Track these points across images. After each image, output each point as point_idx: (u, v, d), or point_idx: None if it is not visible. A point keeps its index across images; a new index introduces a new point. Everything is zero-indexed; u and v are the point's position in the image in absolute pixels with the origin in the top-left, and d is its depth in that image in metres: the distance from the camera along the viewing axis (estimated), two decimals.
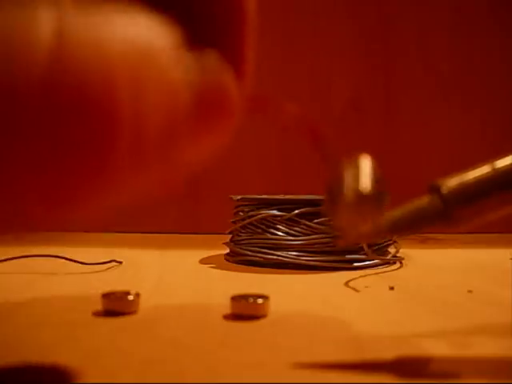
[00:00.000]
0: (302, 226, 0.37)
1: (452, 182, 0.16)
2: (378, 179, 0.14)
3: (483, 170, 0.16)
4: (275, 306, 0.24)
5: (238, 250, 0.39)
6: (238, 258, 0.40)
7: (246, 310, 0.23)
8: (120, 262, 0.38)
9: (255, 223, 0.39)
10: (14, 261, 0.35)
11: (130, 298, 0.24)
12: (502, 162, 0.16)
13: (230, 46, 0.14)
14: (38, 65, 0.10)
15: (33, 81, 0.10)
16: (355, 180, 0.14)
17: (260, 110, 0.15)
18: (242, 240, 0.39)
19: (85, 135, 0.11)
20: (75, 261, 0.36)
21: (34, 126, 0.10)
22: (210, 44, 0.13)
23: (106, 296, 0.24)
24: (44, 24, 0.10)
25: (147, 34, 0.12)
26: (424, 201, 0.17)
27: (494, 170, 0.16)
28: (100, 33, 0.11)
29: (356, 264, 0.37)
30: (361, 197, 0.14)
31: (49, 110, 0.10)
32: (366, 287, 0.30)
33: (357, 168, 0.14)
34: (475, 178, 0.16)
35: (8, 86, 0.10)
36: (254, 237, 0.39)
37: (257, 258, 0.38)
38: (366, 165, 0.15)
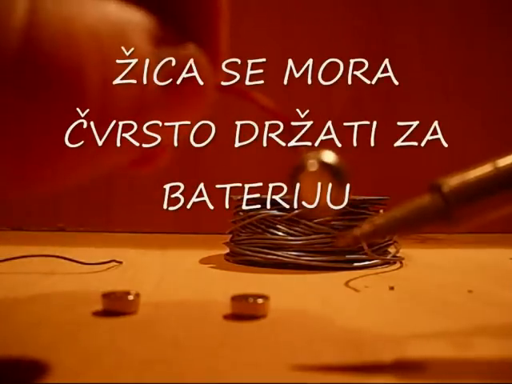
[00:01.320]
0: (301, 226, 0.37)
1: (453, 181, 0.16)
2: (339, 159, 0.16)
3: (485, 169, 0.16)
4: (275, 306, 0.24)
5: (238, 249, 0.39)
6: (238, 258, 0.40)
7: (246, 309, 0.23)
8: (120, 262, 0.38)
9: (255, 223, 0.39)
10: (14, 261, 0.35)
11: (130, 297, 0.24)
12: (503, 161, 0.16)
13: (204, 36, 0.15)
14: (11, 40, 0.11)
15: (6, 55, 0.11)
16: (318, 154, 0.16)
17: (234, 95, 0.16)
18: (242, 240, 0.39)
19: (55, 104, 0.12)
20: (75, 261, 0.36)
21: (8, 94, 0.11)
22: (184, 35, 0.14)
23: (106, 296, 0.24)
24: (19, 4, 0.11)
25: (116, 13, 0.13)
26: (425, 200, 0.16)
27: (496, 168, 0.16)
28: (70, 11, 0.12)
29: (356, 264, 0.37)
30: (322, 165, 0.16)
31: (21, 82, 0.11)
32: (366, 287, 0.30)
33: (320, 151, 0.17)
34: (477, 176, 0.16)
35: None
36: (254, 237, 0.39)
37: (257, 258, 0.38)
38: (329, 151, 0.17)
